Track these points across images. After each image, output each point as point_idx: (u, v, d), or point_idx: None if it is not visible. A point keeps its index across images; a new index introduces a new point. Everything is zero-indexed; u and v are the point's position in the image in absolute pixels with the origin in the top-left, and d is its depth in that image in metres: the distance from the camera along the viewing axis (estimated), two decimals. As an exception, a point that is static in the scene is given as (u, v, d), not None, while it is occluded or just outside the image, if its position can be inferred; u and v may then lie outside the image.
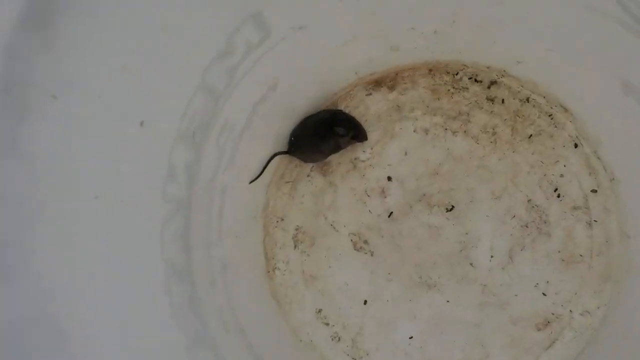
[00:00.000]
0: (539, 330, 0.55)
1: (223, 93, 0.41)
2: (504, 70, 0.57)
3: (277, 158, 0.57)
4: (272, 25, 0.41)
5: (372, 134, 0.59)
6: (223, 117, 0.43)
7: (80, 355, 0.27)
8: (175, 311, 0.37)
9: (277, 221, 0.60)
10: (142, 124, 0.32)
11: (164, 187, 0.36)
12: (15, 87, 0.23)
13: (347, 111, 0.59)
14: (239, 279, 0.50)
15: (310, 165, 0.60)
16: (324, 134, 0.57)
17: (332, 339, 0.57)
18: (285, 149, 0.57)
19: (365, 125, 0.59)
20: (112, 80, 0.28)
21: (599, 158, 0.56)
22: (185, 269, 0.39)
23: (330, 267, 0.59)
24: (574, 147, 0.56)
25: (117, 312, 0.31)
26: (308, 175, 0.60)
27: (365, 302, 0.58)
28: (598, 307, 0.55)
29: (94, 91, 0.27)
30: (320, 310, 0.58)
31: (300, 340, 0.57)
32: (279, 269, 0.59)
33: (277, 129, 0.54)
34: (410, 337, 0.56)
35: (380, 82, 0.60)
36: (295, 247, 0.60)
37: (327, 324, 0.58)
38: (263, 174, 0.56)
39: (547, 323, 0.55)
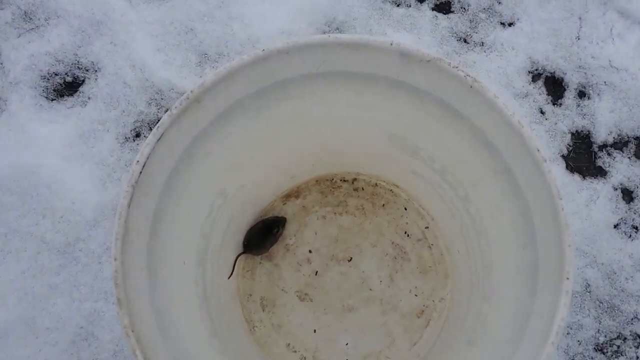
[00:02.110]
0: (419, 317, 0.92)
1: (210, 234, 0.76)
2: (358, 172, 0.96)
3: (240, 258, 0.92)
4: (228, 192, 0.77)
5: (293, 227, 0.95)
6: (211, 246, 0.78)
7: None
8: (221, 354, 0.70)
9: (247, 297, 0.94)
10: (184, 263, 0.66)
11: (196, 290, 0.70)
12: (149, 259, 0.57)
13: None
14: (237, 334, 0.84)
15: (259, 257, 0.95)
16: (263, 236, 0.92)
17: (301, 360, 0.91)
18: (241, 251, 0.92)
19: (286, 223, 0.95)
20: (173, 247, 0.62)
21: (423, 209, 0.95)
22: (216, 332, 0.73)
23: (288, 316, 0.93)
24: (408, 205, 0.96)
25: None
26: (260, 263, 0.95)
27: (315, 330, 0.92)
28: (447, 294, 0.93)
29: (170, 254, 0.61)
30: (289, 344, 0.91)
31: (281, 366, 0.91)
32: (256, 326, 0.93)
33: (236, 240, 0.90)
34: (347, 344, 0.91)
35: (290, 195, 0.97)
36: (263, 310, 0.93)
37: (295, 352, 0.91)
38: (234, 271, 0.90)
39: (422, 312, 0.92)
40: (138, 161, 0.51)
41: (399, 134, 0.73)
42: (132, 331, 0.48)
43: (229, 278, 0.88)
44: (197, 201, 0.66)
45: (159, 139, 0.52)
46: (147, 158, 0.51)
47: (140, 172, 0.51)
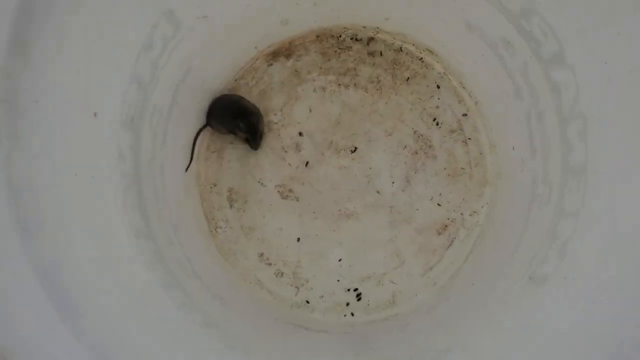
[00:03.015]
0: (439, 234, 0.69)
1: (150, 82, 0.49)
2: (378, 27, 0.68)
3: (204, 132, 0.65)
4: (181, 19, 0.49)
5: (279, 99, 0.69)
6: (152, 103, 0.51)
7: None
8: (148, 265, 0.45)
9: (211, 187, 0.69)
10: (95, 115, 0.40)
11: (118, 166, 0.45)
12: (11, 96, 0.30)
13: (253, 82, 0.69)
14: (189, 238, 0.59)
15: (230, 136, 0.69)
16: (232, 115, 0.65)
17: (276, 275, 0.68)
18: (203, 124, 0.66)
19: (271, 92, 0.69)
20: (72, 84, 0.36)
21: (464, 88, 0.69)
22: (149, 232, 0.48)
23: (264, 217, 0.68)
24: (443, 81, 0.69)
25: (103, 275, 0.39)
26: (231, 143, 0.69)
27: (299, 239, 0.68)
28: (482, 207, 0.69)
29: (63, 95, 0.35)
30: (262, 254, 0.68)
31: (249, 282, 0.67)
32: (220, 227, 0.68)
33: (196, 106, 0.63)
34: (340, 260, 0.68)
35: (278, 53, 0.69)
36: (231, 206, 0.69)
37: (270, 264, 0.68)
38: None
39: (445, 227, 0.69)
40: None
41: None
42: None
43: (186, 170, 0.62)
44: (123, 9, 0.39)
45: None
46: None
47: None
